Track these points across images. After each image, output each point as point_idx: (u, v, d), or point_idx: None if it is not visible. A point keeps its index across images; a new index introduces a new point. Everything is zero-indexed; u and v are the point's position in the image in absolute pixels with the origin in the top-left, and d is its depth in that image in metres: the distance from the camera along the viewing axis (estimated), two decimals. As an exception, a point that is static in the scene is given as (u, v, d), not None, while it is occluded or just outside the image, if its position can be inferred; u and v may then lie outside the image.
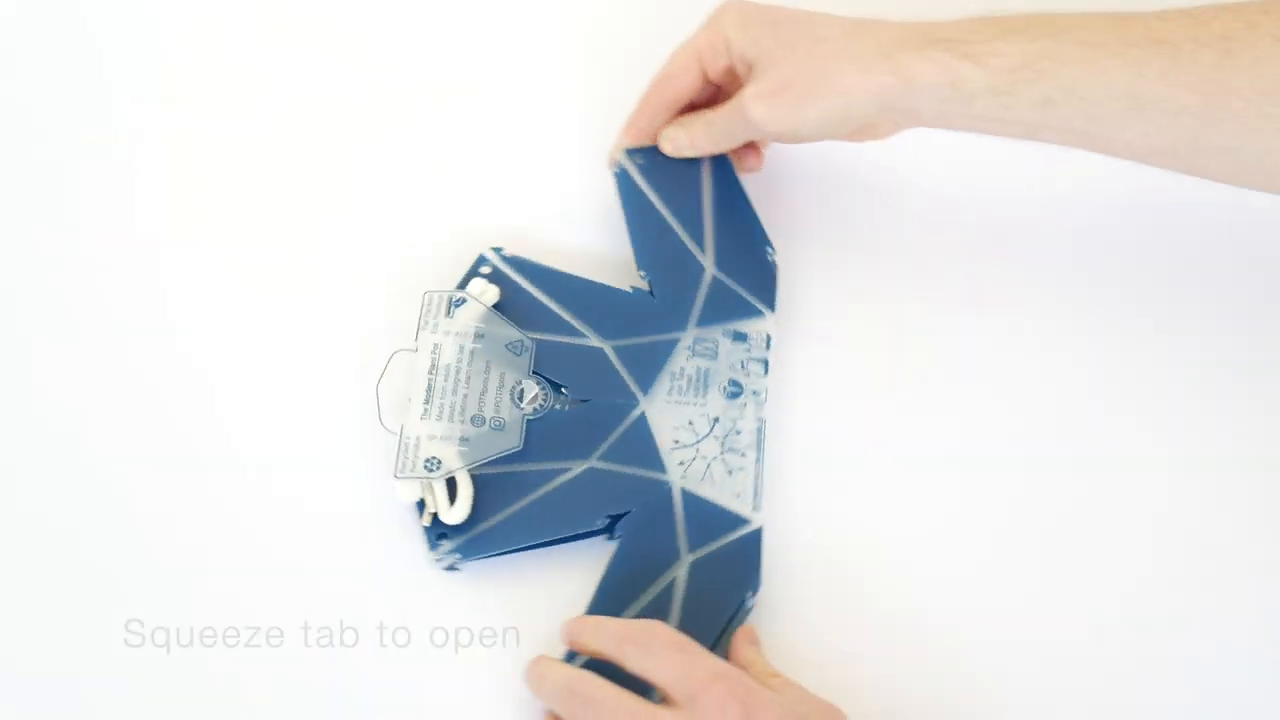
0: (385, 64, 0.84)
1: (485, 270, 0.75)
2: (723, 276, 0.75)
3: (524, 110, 0.83)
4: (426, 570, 0.70)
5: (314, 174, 0.81)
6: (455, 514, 0.69)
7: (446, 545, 0.69)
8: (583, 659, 0.66)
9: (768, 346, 0.75)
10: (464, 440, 0.70)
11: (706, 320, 0.74)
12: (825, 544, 0.72)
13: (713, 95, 0.77)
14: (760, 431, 0.73)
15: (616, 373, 0.73)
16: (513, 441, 0.70)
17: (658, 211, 0.76)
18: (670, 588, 0.69)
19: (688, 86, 0.75)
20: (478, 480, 0.70)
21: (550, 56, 0.85)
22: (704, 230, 0.76)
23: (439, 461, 0.69)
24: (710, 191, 0.77)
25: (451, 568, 0.70)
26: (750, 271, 0.76)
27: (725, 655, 0.67)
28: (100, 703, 0.67)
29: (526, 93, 0.83)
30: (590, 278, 0.76)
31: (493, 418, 0.71)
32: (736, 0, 0.73)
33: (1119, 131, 0.68)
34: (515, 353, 0.73)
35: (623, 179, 0.77)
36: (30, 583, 0.70)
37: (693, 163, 0.77)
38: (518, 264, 0.76)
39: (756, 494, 0.71)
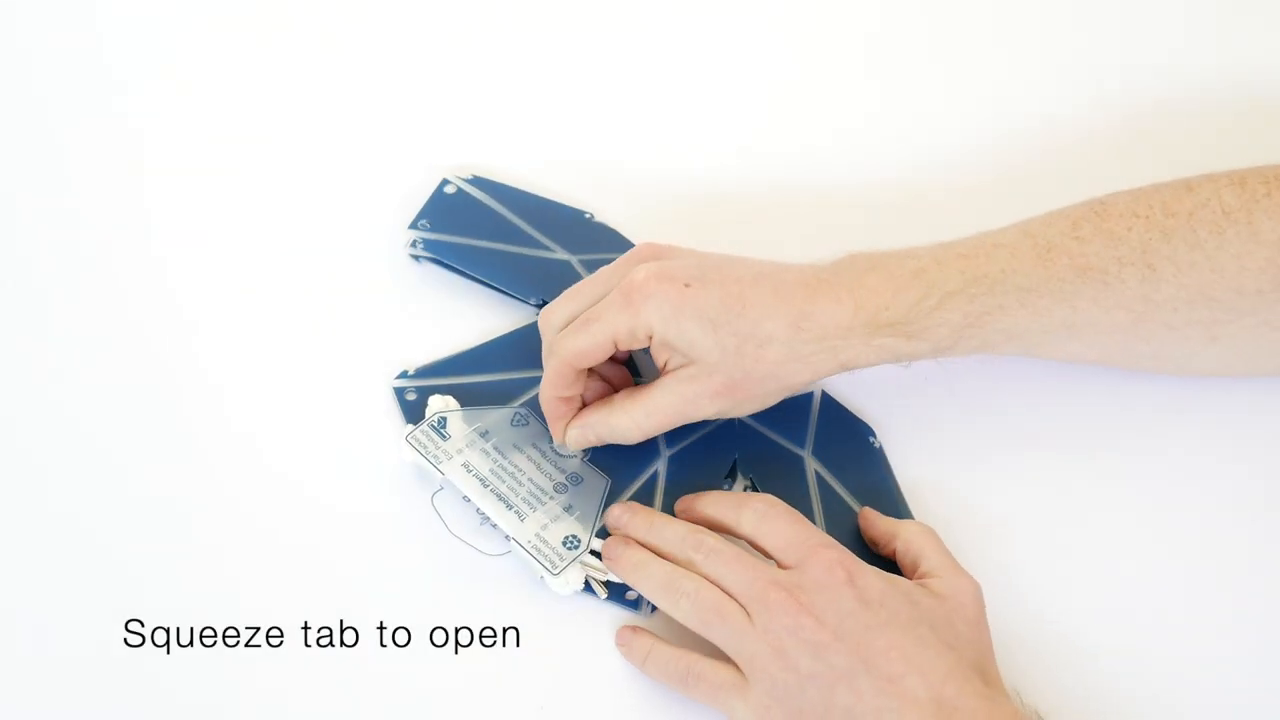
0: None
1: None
2: (585, 256, 0.78)
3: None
4: (427, 570, 0.70)
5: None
6: None
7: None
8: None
9: None
10: (569, 509, 0.70)
11: None
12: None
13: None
14: None
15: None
16: (602, 480, 0.71)
17: (483, 247, 0.78)
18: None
19: (596, 361, 0.70)
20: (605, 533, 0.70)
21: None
22: (531, 233, 0.79)
23: (575, 538, 0.69)
24: (502, 205, 0.80)
25: (655, 608, 0.69)
26: (598, 238, 0.80)
27: None
28: (100, 703, 0.67)
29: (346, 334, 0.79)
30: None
31: (569, 476, 0.71)
32: (657, 274, 0.68)
33: (1054, 352, 0.72)
34: (523, 423, 0.72)
35: (429, 247, 0.78)
36: (31, 582, 0.70)
37: (465, 197, 0.80)
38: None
39: None
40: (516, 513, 0.69)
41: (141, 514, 0.71)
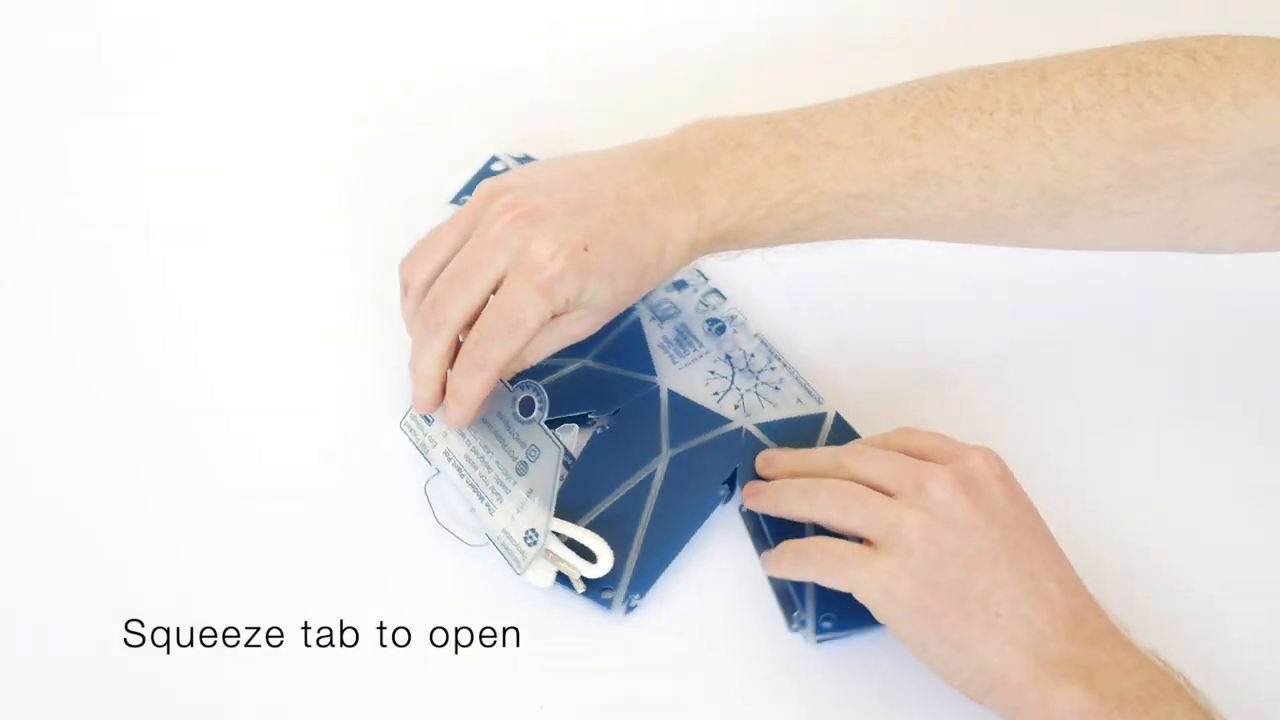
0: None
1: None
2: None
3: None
4: (427, 571, 0.70)
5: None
6: (602, 565, 0.69)
7: (617, 594, 0.69)
8: None
9: (706, 279, 0.77)
10: (530, 493, 0.69)
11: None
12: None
13: None
14: (763, 342, 0.75)
15: (614, 374, 0.73)
16: (554, 450, 0.69)
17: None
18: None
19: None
20: (595, 527, 0.70)
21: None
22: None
23: (535, 532, 0.69)
24: None
25: (632, 607, 0.69)
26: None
27: None
28: (100, 703, 0.67)
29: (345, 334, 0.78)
30: None
31: (528, 450, 0.69)
32: (565, 259, 0.66)
33: (881, 239, 0.72)
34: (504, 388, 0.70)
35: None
36: (31, 583, 0.70)
37: None
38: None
39: (808, 389, 0.75)
40: (488, 504, 0.69)
41: (141, 514, 0.71)
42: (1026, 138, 0.66)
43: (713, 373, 0.75)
